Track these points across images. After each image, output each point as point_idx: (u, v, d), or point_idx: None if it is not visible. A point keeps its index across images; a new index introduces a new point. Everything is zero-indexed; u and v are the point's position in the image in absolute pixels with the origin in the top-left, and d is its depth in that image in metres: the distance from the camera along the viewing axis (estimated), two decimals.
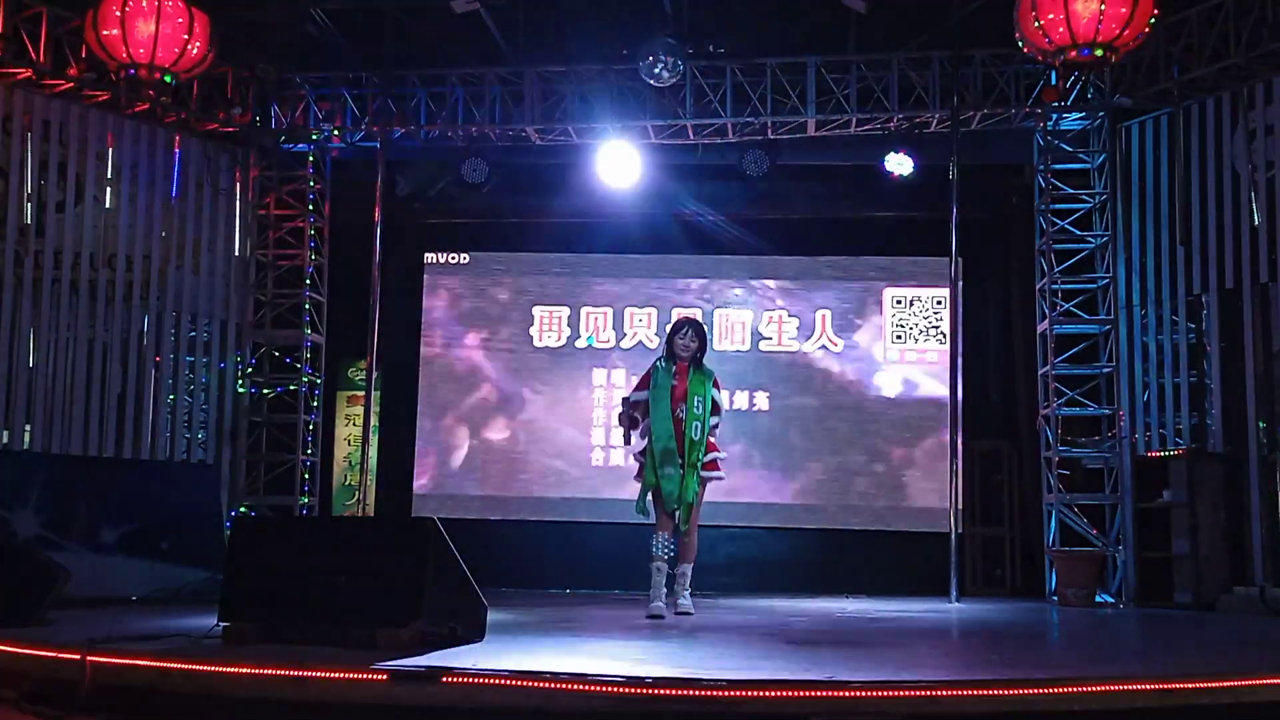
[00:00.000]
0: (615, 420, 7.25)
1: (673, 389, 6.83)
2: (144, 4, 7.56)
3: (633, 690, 3.56)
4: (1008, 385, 10.24)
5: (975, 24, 8.77)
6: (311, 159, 9.94)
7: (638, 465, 6.96)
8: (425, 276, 10.63)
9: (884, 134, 9.36)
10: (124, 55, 7.62)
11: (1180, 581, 8.03)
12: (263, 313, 9.81)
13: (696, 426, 6.78)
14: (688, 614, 6.66)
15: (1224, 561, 7.94)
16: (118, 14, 7.54)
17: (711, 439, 6.89)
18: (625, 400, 7.09)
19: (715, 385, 7.00)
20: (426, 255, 10.65)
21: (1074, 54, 7.16)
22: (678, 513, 6.68)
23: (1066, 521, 8.85)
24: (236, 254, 9.75)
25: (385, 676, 3.69)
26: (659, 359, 7.03)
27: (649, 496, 6.80)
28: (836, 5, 8.51)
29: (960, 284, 9.02)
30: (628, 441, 7.11)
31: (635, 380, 7.21)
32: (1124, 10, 6.99)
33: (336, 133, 9.75)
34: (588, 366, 10.43)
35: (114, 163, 9.02)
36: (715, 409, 6.92)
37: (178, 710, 3.85)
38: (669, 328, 7.14)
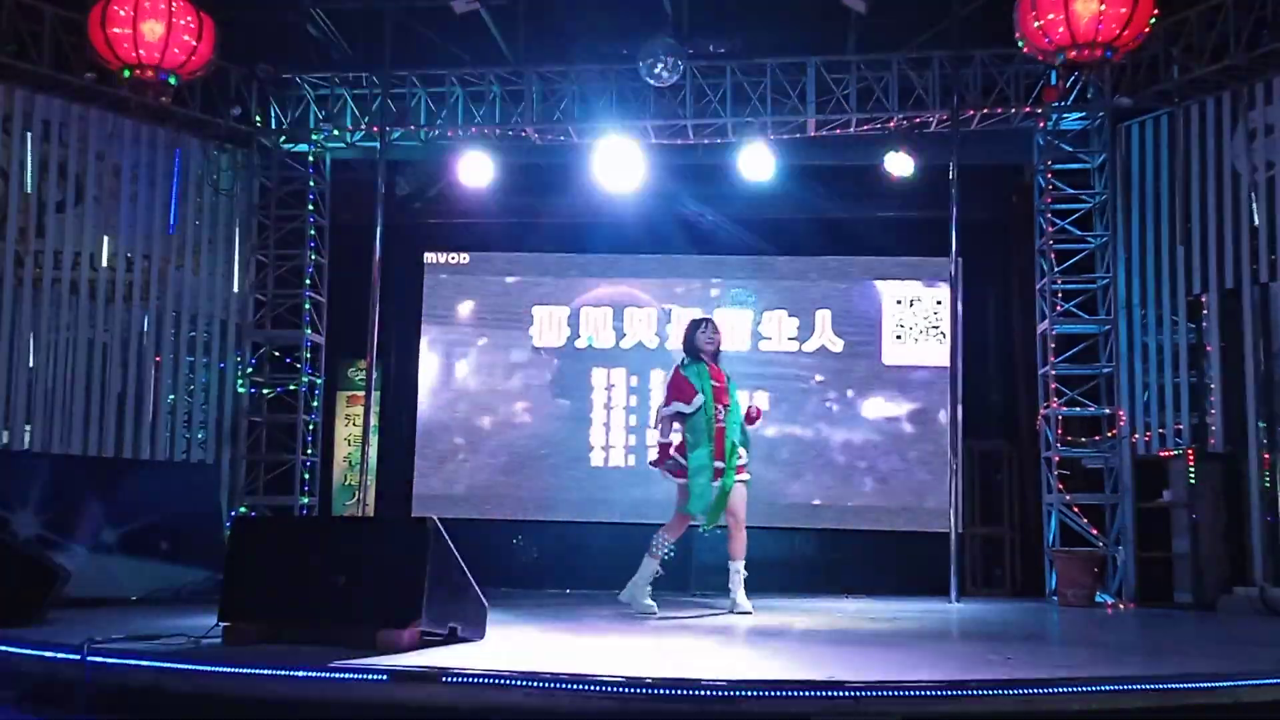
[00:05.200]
0: (656, 431, 7.14)
1: (716, 392, 6.78)
2: (146, 5, 7.56)
3: (633, 690, 3.57)
4: (1008, 385, 10.24)
5: (975, 24, 8.77)
6: (311, 159, 9.94)
7: (675, 466, 6.83)
8: (425, 276, 10.63)
9: (884, 134, 9.36)
10: (132, 55, 7.61)
11: (1180, 581, 8.02)
12: (263, 313, 9.80)
13: (736, 429, 6.77)
14: (747, 613, 6.64)
15: (1224, 561, 7.93)
16: (126, 14, 7.53)
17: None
18: (664, 416, 6.91)
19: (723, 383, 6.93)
20: (426, 255, 10.65)
21: (1074, 54, 7.17)
22: (705, 518, 6.70)
23: (1066, 521, 8.84)
24: (236, 254, 9.75)
25: (385, 676, 3.69)
26: (682, 364, 6.91)
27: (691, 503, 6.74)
28: (836, 5, 8.51)
29: (960, 284, 9.02)
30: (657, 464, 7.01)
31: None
32: (1124, 10, 6.99)
33: (336, 133, 9.75)
34: (588, 366, 10.43)
35: (114, 163, 9.01)
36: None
37: (178, 710, 3.85)
38: (688, 326, 7.04)
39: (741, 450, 6.82)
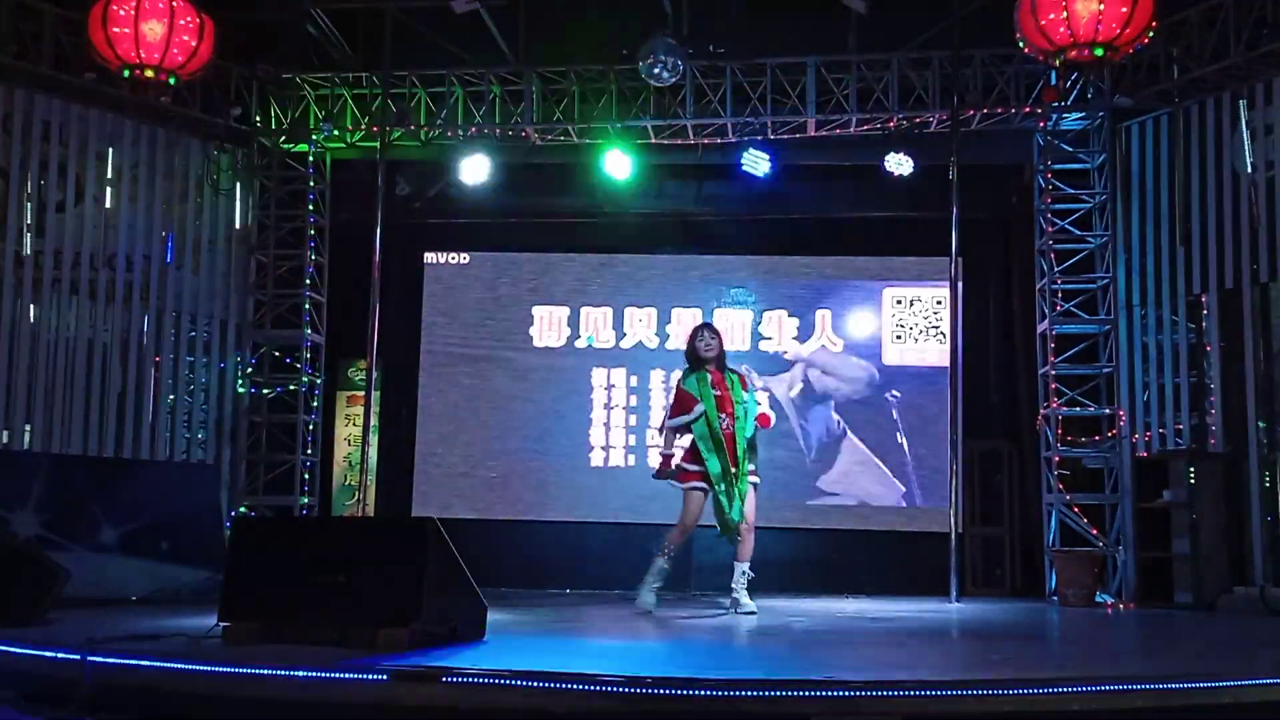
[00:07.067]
0: (661, 442, 7.21)
1: (719, 400, 6.78)
2: (147, 5, 7.55)
3: (633, 690, 3.56)
4: (1008, 385, 10.24)
5: (975, 24, 8.77)
6: (311, 159, 9.93)
7: (677, 473, 6.87)
8: (425, 276, 10.63)
9: (884, 134, 9.35)
10: (133, 55, 7.61)
11: (1180, 581, 8.02)
12: (263, 313, 9.80)
13: (746, 433, 6.78)
14: (752, 613, 6.64)
15: (1224, 561, 7.92)
16: (126, 13, 7.52)
17: None
18: (668, 428, 6.99)
19: (743, 382, 6.95)
20: (426, 255, 10.64)
21: (1074, 54, 7.16)
22: (729, 522, 6.70)
23: (1066, 521, 8.85)
24: (236, 254, 9.75)
25: (385, 676, 3.69)
26: (684, 376, 6.97)
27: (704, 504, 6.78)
28: (836, 5, 8.52)
29: (960, 284, 9.02)
30: (660, 475, 7.03)
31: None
32: (1124, 10, 6.99)
33: (336, 132, 9.75)
34: (588, 366, 10.43)
35: (114, 163, 9.01)
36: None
37: (178, 710, 3.85)
38: (689, 334, 7.12)
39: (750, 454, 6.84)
